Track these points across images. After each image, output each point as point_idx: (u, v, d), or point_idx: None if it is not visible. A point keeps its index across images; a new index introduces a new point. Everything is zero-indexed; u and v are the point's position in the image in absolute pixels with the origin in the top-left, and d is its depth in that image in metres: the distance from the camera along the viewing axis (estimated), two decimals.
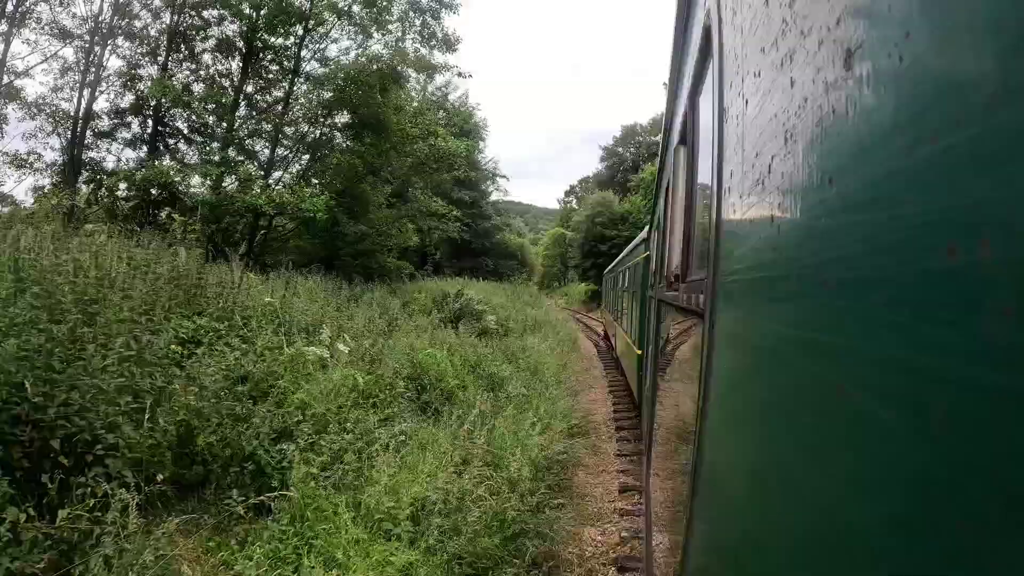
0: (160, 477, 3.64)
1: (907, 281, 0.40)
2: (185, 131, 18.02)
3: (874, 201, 0.46)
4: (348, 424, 5.19)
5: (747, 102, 0.98)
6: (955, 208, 0.35)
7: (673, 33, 2.63)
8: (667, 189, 3.46)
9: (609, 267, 18.22)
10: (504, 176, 48.99)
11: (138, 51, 17.30)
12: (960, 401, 0.33)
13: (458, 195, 37.91)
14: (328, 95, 16.88)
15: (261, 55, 17.48)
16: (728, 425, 1.03)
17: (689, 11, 2.27)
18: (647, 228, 8.03)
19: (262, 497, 3.87)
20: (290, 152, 18.24)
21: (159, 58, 17.26)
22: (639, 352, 7.38)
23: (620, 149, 58.22)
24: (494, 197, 47.88)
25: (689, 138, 2.23)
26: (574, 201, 68.62)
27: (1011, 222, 0.29)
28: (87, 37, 16.48)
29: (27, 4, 15.64)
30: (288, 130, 17.50)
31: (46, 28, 15.97)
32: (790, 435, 0.68)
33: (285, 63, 17.65)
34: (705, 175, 1.69)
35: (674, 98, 3.02)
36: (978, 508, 0.31)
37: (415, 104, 21.33)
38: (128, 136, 17.66)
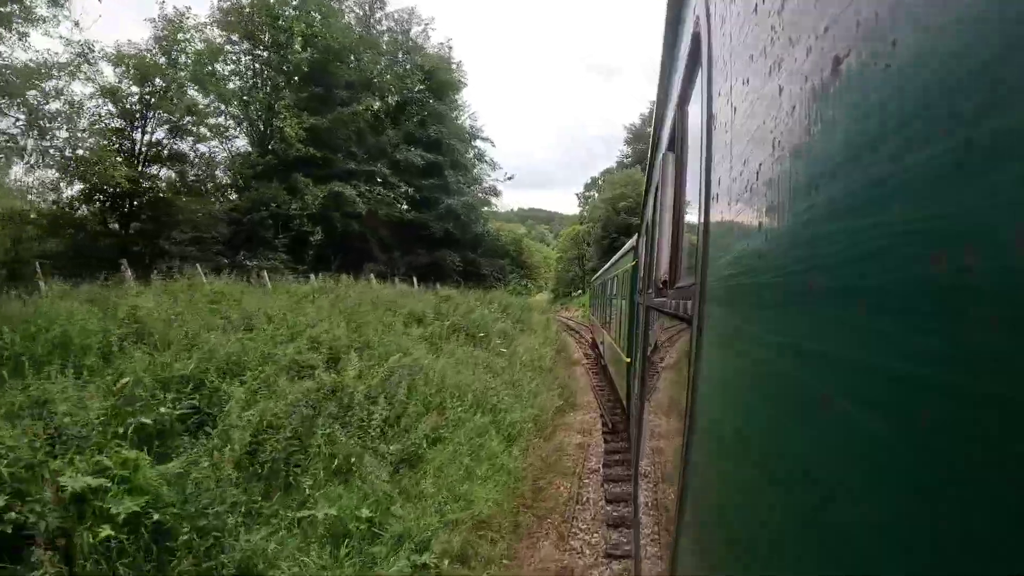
0: None
1: (894, 289, 0.40)
2: None
3: (861, 209, 0.46)
4: None
5: (735, 110, 0.99)
6: (941, 216, 0.35)
7: (662, 41, 2.65)
8: (656, 196, 3.49)
9: (597, 274, 18.29)
10: (488, 139, 35.47)
11: None
12: (946, 410, 0.34)
13: (404, 155, 24.79)
14: None
15: None
16: (716, 432, 1.03)
17: (679, 19, 2.30)
18: (636, 236, 8.07)
19: None
20: None
21: None
22: (627, 360, 7.39)
23: (650, 129, 52.60)
24: (480, 173, 33.24)
25: (678, 145, 2.25)
26: (595, 196, 56.52)
27: (996, 230, 0.30)
28: None
29: None
30: None
31: None
32: (780, 442, 0.67)
33: None
34: (694, 182, 1.70)
35: (663, 106, 3.05)
36: (965, 515, 0.31)
37: None
38: None
